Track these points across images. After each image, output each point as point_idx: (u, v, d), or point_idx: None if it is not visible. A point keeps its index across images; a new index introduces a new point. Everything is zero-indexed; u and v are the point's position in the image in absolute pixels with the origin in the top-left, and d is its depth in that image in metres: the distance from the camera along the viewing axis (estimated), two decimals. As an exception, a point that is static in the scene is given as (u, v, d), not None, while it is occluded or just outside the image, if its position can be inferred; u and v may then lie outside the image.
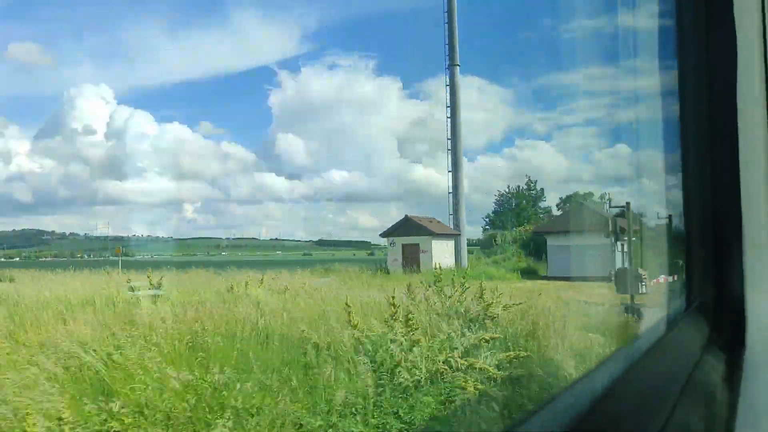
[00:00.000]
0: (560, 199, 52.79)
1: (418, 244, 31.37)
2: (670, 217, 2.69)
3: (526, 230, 39.49)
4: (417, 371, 6.58)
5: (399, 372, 6.49)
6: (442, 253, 30.20)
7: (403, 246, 31.82)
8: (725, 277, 2.08)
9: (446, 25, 36.38)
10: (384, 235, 34.06)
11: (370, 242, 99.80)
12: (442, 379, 6.56)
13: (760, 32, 2.00)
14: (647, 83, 2.78)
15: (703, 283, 2.16)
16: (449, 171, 35.66)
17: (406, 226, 32.72)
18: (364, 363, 6.71)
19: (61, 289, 16.87)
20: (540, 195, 55.59)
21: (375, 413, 5.78)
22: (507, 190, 56.66)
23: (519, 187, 56.28)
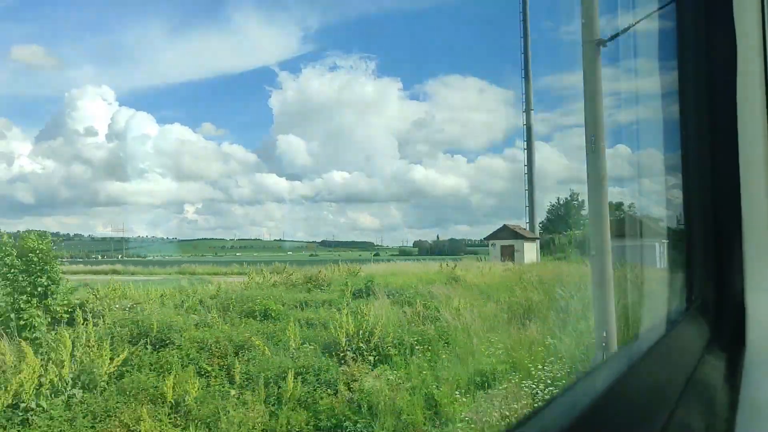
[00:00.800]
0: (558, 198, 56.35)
1: (513, 245, 41.70)
2: (670, 217, 2.69)
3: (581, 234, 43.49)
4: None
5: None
6: (528, 252, 40.22)
7: (501, 246, 42.11)
8: (726, 276, 2.08)
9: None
10: (487, 239, 44.50)
11: (373, 243, 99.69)
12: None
13: (760, 32, 2.01)
14: (647, 84, 2.78)
15: (704, 282, 2.16)
16: (526, 189, 46.06)
17: (505, 232, 43.37)
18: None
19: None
20: (581, 204, 59.72)
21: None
22: (557, 201, 64.15)
23: (567, 198, 63.74)
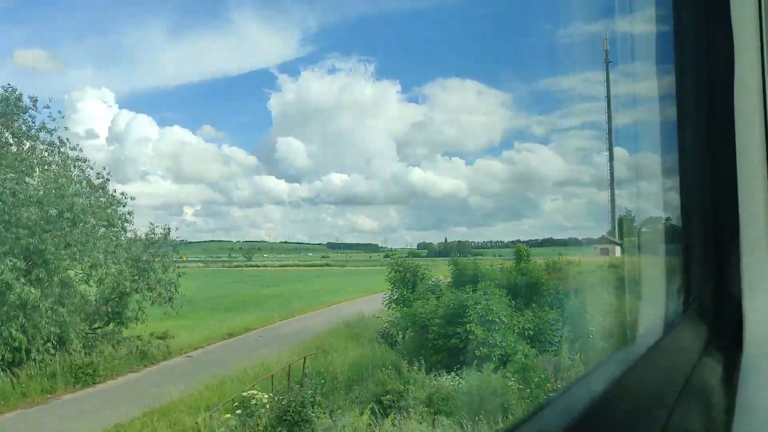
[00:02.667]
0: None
1: (607, 247, 47.61)
2: (668, 219, 2.69)
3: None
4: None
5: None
6: (616, 252, 44.87)
7: (600, 248, 48.23)
8: (723, 279, 2.08)
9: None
10: (595, 242, 50.21)
11: (377, 245, 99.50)
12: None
13: (757, 35, 2.01)
14: (645, 87, 2.78)
15: (701, 285, 2.16)
16: (610, 200, 49.34)
17: (602, 239, 49.80)
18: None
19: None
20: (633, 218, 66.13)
21: None
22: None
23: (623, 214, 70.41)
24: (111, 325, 21.96)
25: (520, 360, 16.76)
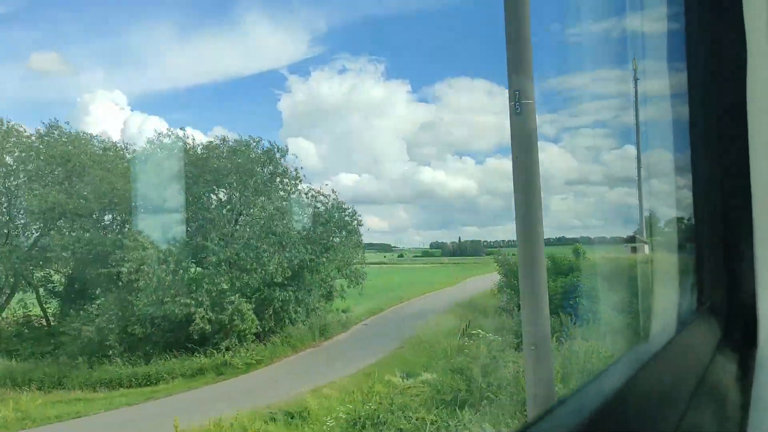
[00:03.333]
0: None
1: (637, 246, 50.68)
2: (680, 217, 2.68)
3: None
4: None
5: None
6: (645, 249, 49.04)
7: (631, 246, 50.81)
8: (736, 277, 2.07)
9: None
10: (624, 241, 52.58)
11: (390, 244, 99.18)
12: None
13: None
14: (655, 85, 2.77)
15: (714, 283, 2.16)
16: (638, 199, 52.56)
17: (635, 239, 52.96)
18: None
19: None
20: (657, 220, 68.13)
21: None
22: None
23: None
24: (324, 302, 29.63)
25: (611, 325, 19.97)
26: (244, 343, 23.80)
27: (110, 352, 22.31)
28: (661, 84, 2.58)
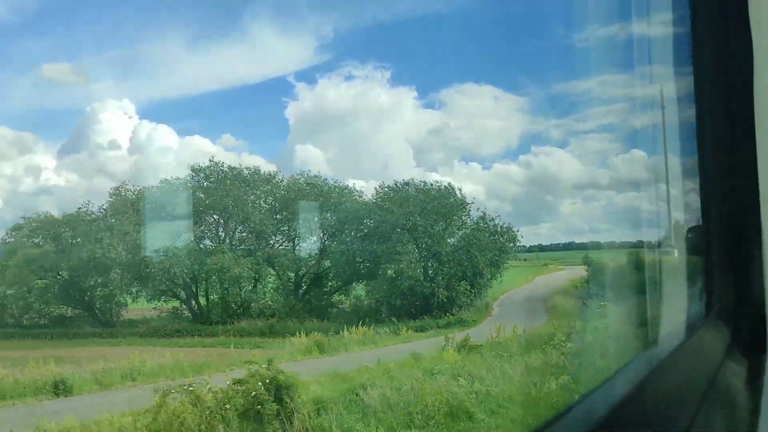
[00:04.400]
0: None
1: (668, 250, 54.71)
2: (688, 222, 2.67)
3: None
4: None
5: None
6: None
7: (660, 252, 55.98)
8: (745, 282, 2.07)
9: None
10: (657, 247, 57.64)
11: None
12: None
13: None
14: (663, 88, 2.77)
15: (723, 288, 2.15)
16: (667, 203, 56.87)
17: (665, 244, 58.59)
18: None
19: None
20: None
21: None
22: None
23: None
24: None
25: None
26: (463, 310, 35.63)
27: (382, 315, 34.88)
28: (667, 87, 2.58)
